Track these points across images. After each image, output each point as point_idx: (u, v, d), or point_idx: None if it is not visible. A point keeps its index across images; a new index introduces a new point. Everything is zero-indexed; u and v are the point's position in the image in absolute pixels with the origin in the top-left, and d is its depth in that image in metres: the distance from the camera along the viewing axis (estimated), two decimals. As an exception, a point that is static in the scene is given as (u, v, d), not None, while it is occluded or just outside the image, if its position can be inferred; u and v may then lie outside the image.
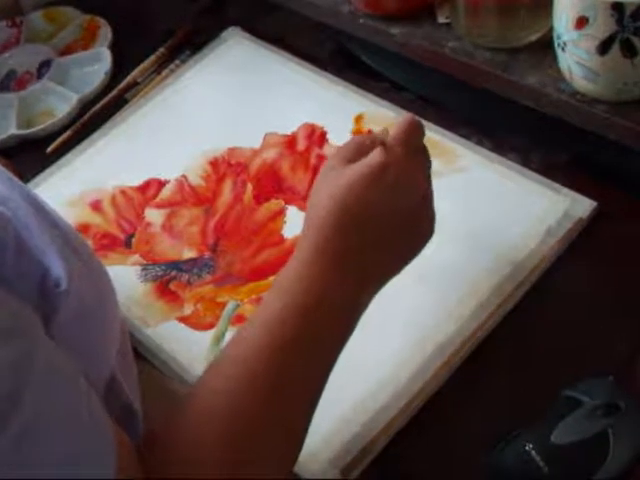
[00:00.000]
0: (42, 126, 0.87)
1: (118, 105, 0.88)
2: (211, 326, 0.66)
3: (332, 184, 0.52)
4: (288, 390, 0.48)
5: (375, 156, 0.53)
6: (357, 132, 0.76)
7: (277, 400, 0.47)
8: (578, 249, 0.64)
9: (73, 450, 0.39)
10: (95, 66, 0.92)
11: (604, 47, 0.58)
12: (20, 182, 0.47)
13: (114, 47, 0.93)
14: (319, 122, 0.78)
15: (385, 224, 0.52)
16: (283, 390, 0.47)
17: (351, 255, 0.51)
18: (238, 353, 0.49)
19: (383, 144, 0.54)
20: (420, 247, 0.55)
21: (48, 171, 0.83)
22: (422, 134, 0.57)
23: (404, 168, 0.53)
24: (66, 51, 0.95)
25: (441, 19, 0.73)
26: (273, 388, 0.47)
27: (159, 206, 0.76)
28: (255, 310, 0.52)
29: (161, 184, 0.78)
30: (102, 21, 0.96)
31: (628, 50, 0.57)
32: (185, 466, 0.44)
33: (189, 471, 0.44)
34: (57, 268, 0.42)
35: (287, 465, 0.48)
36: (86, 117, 0.88)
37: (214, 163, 0.78)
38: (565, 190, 0.67)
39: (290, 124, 0.79)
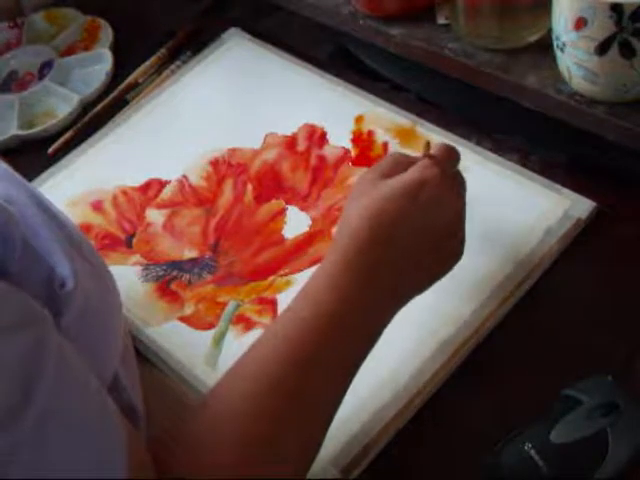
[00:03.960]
0: (43, 127, 0.87)
1: (119, 106, 0.88)
2: (212, 326, 0.66)
3: (368, 196, 0.53)
4: (308, 397, 0.48)
5: (413, 173, 0.54)
6: (357, 133, 0.76)
7: (297, 406, 0.47)
8: (578, 249, 0.65)
9: (84, 446, 0.39)
10: (96, 67, 0.92)
11: (603, 48, 0.58)
12: (26, 182, 0.48)
13: (115, 48, 0.93)
14: (319, 123, 0.78)
15: (417, 240, 0.53)
16: (303, 397, 0.48)
17: (381, 268, 0.51)
18: (261, 357, 0.49)
19: (421, 162, 0.55)
20: (449, 267, 0.56)
21: (49, 172, 0.83)
22: (458, 160, 0.58)
23: (440, 187, 0.54)
24: (67, 52, 0.95)
25: (441, 20, 0.73)
26: (293, 395, 0.47)
27: (160, 206, 0.77)
28: (281, 315, 0.52)
29: (162, 184, 0.78)
30: (103, 22, 0.96)
31: (627, 51, 0.58)
32: (202, 468, 0.44)
33: (206, 473, 0.44)
34: (63, 268, 0.42)
35: (302, 470, 0.48)
36: (87, 118, 0.88)
37: (215, 163, 0.79)
38: (565, 190, 0.67)
39: (290, 125, 0.79)
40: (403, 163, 0.56)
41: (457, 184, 0.57)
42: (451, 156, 0.58)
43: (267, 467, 0.45)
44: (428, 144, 0.59)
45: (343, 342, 0.50)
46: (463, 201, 0.57)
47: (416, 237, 0.53)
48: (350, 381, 0.50)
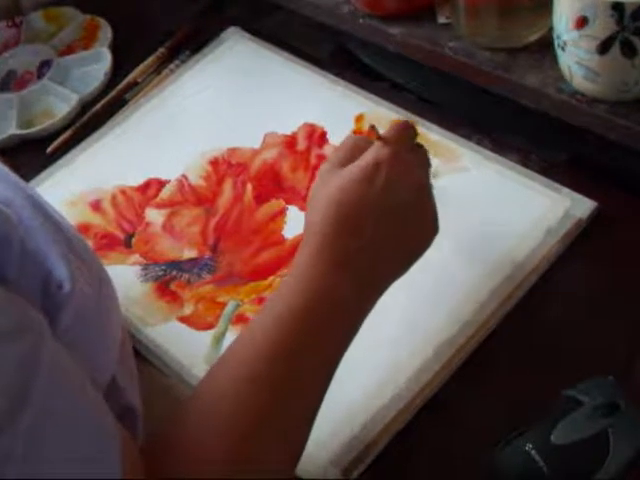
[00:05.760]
0: (42, 126, 0.87)
1: (118, 105, 0.88)
2: (211, 326, 0.66)
3: (327, 186, 0.52)
4: (291, 391, 0.48)
5: (367, 156, 0.53)
6: (357, 132, 0.76)
7: (280, 401, 0.47)
8: (578, 249, 0.64)
9: (79, 449, 0.39)
10: (95, 66, 0.92)
11: (604, 47, 0.58)
12: (24, 183, 0.47)
13: (114, 47, 0.93)
14: (319, 122, 0.78)
15: (383, 223, 0.52)
16: (286, 391, 0.47)
17: (350, 255, 0.51)
18: (241, 354, 0.49)
19: (373, 146, 0.54)
20: (424, 245, 0.55)
21: (48, 171, 0.83)
22: (414, 134, 0.57)
23: (396, 165, 0.53)
24: (66, 51, 0.95)
25: (441, 19, 0.73)
26: (275, 389, 0.47)
27: (159, 206, 0.76)
28: (257, 312, 0.52)
29: (161, 184, 0.78)
30: (102, 21, 0.96)
31: (628, 50, 0.57)
32: (187, 465, 0.44)
33: (191, 469, 0.44)
34: (60, 270, 0.42)
35: (288, 467, 0.48)
36: (86, 117, 0.87)
37: (214, 163, 0.78)
38: (565, 190, 0.67)
39: (290, 124, 0.79)
40: (360, 147, 0.55)
41: (416, 159, 0.56)
42: (403, 132, 0.56)
43: (252, 464, 0.45)
44: (373, 127, 0.57)
45: (322, 334, 0.49)
46: (425, 174, 0.56)
47: (382, 221, 0.52)
48: (333, 372, 0.50)
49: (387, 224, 0.52)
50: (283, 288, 0.51)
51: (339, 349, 0.51)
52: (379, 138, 0.55)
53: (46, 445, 0.37)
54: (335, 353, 0.50)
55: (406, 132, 0.57)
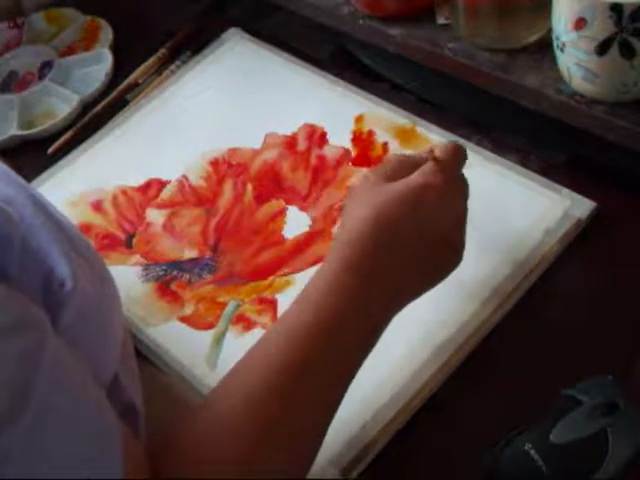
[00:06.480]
0: (43, 127, 0.87)
1: (119, 106, 0.88)
2: (212, 326, 0.66)
3: (372, 200, 0.52)
4: (308, 400, 0.48)
5: (417, 177, 0.53)
6: (357, 133, 0.76)
7: (290, 411, 0.47)
8: (577, 249, 0.65)
9: (80, 447, 0.39)
10: (96, 67, 0.92)
11: (603, 48, 0.58)
12: (25, 183, 0.48)
13: (115, 48, 0.93)
14: (319, 123, 0.78)
15: (419, 246, 0.52)
16: (303, 399, 0.48)
17: (383, 273, 0.51)
18: (261, 360, 0.49)
19: (426, 166, 0.54)
20: (447, 272, 0.55)
21: (49, 172, 0.83)
22: (465, 160, 0.57)
23: (444, 193, 0.53)
24: (67, 52, 0.95)
25: (441, 20, 0.73)
26: (293, 397, 0.47)
27: (160, 206, 0.77)
28: (280, 319, 0.52)
29: (162, 184, 0.78)
30: (103, 22, 0.96)
31: (627, 51, 0.58)
32: (195, 465, 0.45)
33: (199, 469, 0.44)
34: (62, 268, 0.42)
35: (296, 474, 0.48)
36: (87, 118, 0.88)
37: (215, 163, 0.79)
38: (565, 190, 0.67)
39: (290, 125, 0.79)
40: (407, 165, 0.55)
41: (461, 189, 0.57)
42: (458, 158, 0.57)
43: (261, 467, 0.45)
44: (432, 150, 0.57)
45: (342, 347, 0.49)
46: (465, 207, 0.57)
47: (417, 243, 0.52)
48: (347, 386, 0.50)
49: (422, 247, 0.52)
50: (312, 295, 0.50)
51: (356, 363, 0.51)
52: (435, 160, 0.55)
53: (46, 443, 0.37)
54: (352, 367, 0.50)
55: (459, 157, 0.57)
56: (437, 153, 0.56)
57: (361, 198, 0.53)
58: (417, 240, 0.52)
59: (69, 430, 0.39)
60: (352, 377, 0.50)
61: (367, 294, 0.50)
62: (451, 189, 0.54)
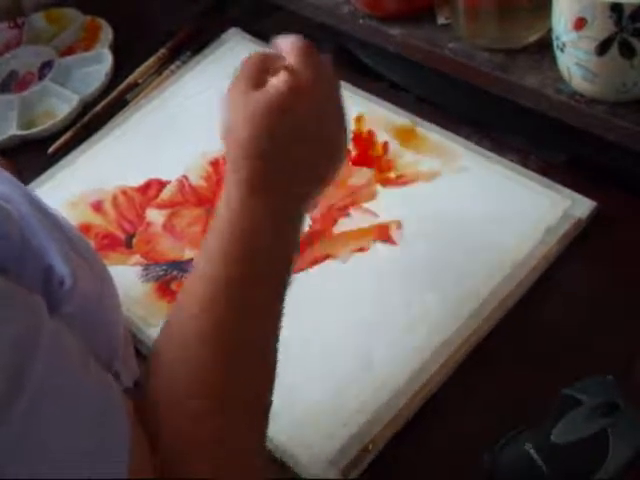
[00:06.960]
0: (43, 127, 0.87)
1: (119, 106, 0.88)
2: (212, 326, 0.66)
3: (248, 111, 0.52)
4: (249, 311, 0.48)
5: (286, 80, 0.52)
6: (357, 132, 0.76)
7: (241, 323, 0.48)
8: (578, 249, 0.65)
9: (83, 426, 0.39)
10: (96, 67, 0.92)
11: (603, 48, 0.58)
12: (21, 184, 0.48)
13: (115, 48, 0.93)
14: (319, 123, 0.78)
15: (300, 148, 0.52)
16: (244, 314, 0.48)
17: (277, 176, 0.51)
18: (195, 288, 0.49)
19: (286, 65, 0.54)
20: (334, 172, 0.55)
21: (49, 172, 0.83)
22: (317, 52, 0.57)
23: (308, 92, 0.53)
24: (67, 52, 0.95)
25: (441, 20, 0.73)
26: (233, 314, 0.47)
27: (160, 206, 0.77)
28: (201, 249, 0.52)
29: (162, 184, 0.78)
30: (103, 22, 0.96)
31: (627, 51, 0.58)
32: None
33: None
34: (61, 266, 0.42)
35: (265, 388, 0.48)
36: (87, 118, 0.88)
37: (215, 163, 0.79)
38: (565, 190, 0.67)
39: (290, 125, 0.79)
40: (269, 64, 0.55)
41: (332, 81, 0.57)
42: (313, 51, 0.57)
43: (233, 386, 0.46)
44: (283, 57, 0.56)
45: (259, 250, 0.50)
46: (336, 98, 0.56)
47: (298, 146, 0.52)
48: (286, 279, 0.50)
49: (302, 149, 0.52)
50: (217, 218, 0.51)
51: (285, 257, 0.51)
52: (286, 68, 0.54)
53: (45, 425, 0.37)
54: (282, 262, 0.51)
55: (314, 52, 0.56)
56: (290, 56, 0.56)
57: (236, 110, 0.53)
58: (297, 143, 0.52)
59: (68, 413, 0.38)
60: (282, 290, 0.50)
61: (256, 204, 0.50)
62: (323, 84, 0.54)
